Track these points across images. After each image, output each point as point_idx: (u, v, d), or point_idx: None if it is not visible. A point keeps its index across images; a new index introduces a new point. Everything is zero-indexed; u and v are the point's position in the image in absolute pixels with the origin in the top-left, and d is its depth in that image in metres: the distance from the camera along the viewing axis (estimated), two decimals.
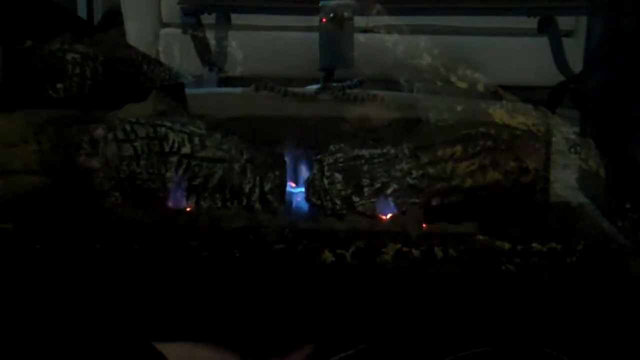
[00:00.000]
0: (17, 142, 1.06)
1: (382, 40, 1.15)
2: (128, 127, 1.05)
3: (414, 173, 1.04)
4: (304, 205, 1.07)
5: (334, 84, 1.30)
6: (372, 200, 1.04)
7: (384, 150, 1.05)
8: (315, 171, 1.06)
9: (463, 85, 1.13)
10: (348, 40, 1.28)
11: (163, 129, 1.05)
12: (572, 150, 1.08)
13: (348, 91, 1.27)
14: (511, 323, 0.96)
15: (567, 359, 0.94)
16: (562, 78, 1.66)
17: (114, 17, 2.14)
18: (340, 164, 1.05)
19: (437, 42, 1.13)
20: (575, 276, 0.96)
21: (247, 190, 1.06)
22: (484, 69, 1.15)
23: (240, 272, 0.97)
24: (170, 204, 1.05)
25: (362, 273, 0.96)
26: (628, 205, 1.06)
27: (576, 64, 1.58)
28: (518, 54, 1.95)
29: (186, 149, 1.05)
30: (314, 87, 1.31)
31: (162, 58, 1.23)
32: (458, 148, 1.05)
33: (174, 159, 1.04)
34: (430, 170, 1.04)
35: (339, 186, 1.04)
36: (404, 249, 0.97)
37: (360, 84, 1.32)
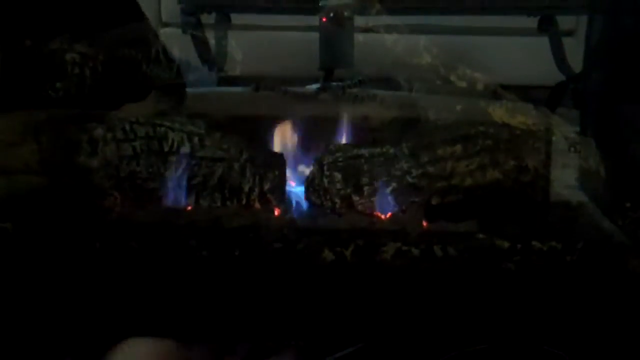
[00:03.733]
0: (17, 141, 1.06)
1: (382, 40, 1.15)
2: (127, 127, 1.05)
3: (414, 172, 1.04)
4: (304, 205, 1.07)
5: (334, 84, 1.30)
6: (372, 199, 1.04)
7: (384, 150, 1.05)
8: (314, 170, 1.06)
9: (463, 84, 1.13)
10: (348, 39, 1.28)
11: (162, 129, 1.05)
12: (572, 149, 1.08)
13: (348, 91, 1.27)
14: (512, 321, 0.96)
15: (567, 357, 0.93)
16: (562, 77, 1.66)
17: None
18: (340, 163, 1.05)
19: (436, 42, 1.13)
20: (575, 275, 0.96)
21: (246, 189, 1.06)
22: (484, 69, 1.15)
23: (240, 271, 0.97)
24: (169, 203, 1.05)
25: (362, 272, 0.96)
26: (628, 204, 1.06)
27: (576, 64, 1.58)
28: (518, 53, 1.95)
29: (185, 149, 1.05)
30: (314, 86, 1.31)
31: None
32: (458, 147, 1.05)
33: (174, 158, 1.04)
34: (430, 169, 1.04)
35: (338, 185, 1.04)
36: (404, 247, 0.97)
37: (360, 84, 1.31)
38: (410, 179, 1.04)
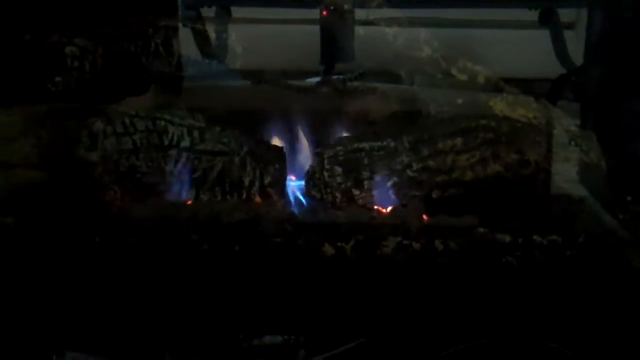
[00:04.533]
0: (17, 136, 1.06)
1: (383, 33, 1.15)
2: (127, 121, 1.04)
3: (415, 166, 1.04)
4: (304, 198, 1.07)
5: (335, 77, 1.29)
6: (373, 193, 1.04)
7: (384, 143, 1.05)
8: (315, 164, 1.05)
9: (464, 77, 1.13)
10: (348, 32, 1.28)
11: (162, 123, 1.05)
12: (573, 142, 1.08)
13: (349, 84, 1.27)
14: (513, 316, 0.96)
15: (569, 352, 0.93)
16: (563, 70, 1.66)
17: None
18: (341, 157, 1.05)
19: (437, 35, 1.13)
20: (576, 269, 0.96)
21: (247, 183, 1.06)
22: (485, 62, 1.15)
23: (241, 266, 0.97)
24: (169, 197, 1.04)
25: (363, 266, 0.96)
26: (629, 198, 1.06)
27: (577, 57, 1.58)
28: (519, 46, 1.94)
29: (185, 142, 1.05)
30: (315, 79, 1.31)
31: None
32: (458, 140, 1.05)
33: (174, 152, 1.04)
34: (431, 162, 1.04)
35: (339, 179, 1.04)
36: (405, 241, 0.97)
37: (361, 77, 1.31)
38: (410, 173, 1.04)
